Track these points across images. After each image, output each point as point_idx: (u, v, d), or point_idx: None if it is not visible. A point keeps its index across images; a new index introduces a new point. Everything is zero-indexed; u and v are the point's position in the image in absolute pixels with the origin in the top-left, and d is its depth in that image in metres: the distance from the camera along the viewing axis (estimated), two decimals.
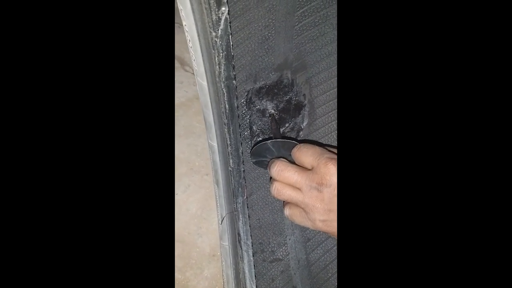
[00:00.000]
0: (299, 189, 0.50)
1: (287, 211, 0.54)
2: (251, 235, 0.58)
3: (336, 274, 0.66)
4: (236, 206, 0.55)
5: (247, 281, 0.59)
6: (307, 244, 0.65)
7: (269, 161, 0.55)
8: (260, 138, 0.57)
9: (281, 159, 0.53)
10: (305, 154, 0.50)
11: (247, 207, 0.56)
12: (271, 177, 0.54)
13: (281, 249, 0.63)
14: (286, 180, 0.50)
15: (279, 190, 0.51)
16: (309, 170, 0.50)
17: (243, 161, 0.53)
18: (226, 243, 0.58)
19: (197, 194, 1.66)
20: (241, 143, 0.53)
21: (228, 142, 0.51)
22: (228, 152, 0.52)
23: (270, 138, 0.55)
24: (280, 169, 0.51)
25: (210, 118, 0.52)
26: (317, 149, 0.50)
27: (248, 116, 0.55)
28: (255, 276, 0.60)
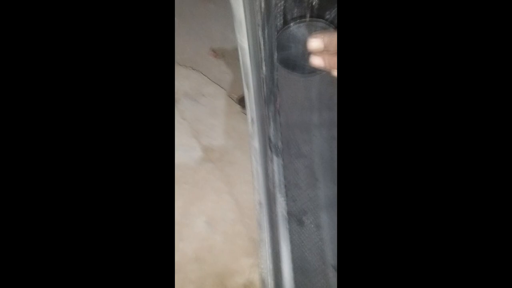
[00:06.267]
0: None
1: None
2: (280, 134, 0.57)
3: None
4: (268, 113, 0.52)
5: (276, 176, 0.62)
6: (332, 142, 0.64)
7: (295, 56, 0.46)
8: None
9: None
10: None
11: (279, 114, 0.54)
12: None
13: (306, 146, 0.63)
14: None
15: None
16: None
17: (277, 69, 0.47)
18: (257, 144, 0.58)
19: (177, 201, 1.52)
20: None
21: (262, 47, 0.44)
22: (261, 58, 0.46)
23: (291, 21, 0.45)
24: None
25: (241, 14, 0.44)
26: None
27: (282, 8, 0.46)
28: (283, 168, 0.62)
